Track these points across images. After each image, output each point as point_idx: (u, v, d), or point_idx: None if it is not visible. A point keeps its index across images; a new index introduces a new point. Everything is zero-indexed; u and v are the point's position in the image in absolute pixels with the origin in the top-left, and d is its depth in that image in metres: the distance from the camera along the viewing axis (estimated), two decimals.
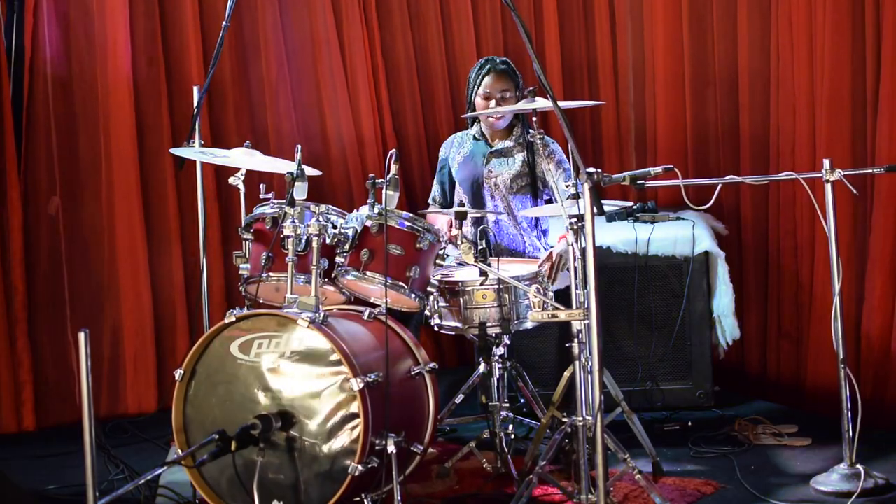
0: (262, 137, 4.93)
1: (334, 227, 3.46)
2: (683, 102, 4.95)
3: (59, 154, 4.60)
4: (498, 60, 4.21)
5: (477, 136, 4.29)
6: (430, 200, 4.43)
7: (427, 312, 3.66)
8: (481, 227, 4.03)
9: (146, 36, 4.72)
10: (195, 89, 4.10)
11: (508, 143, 4.21)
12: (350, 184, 5.07)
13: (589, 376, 3.14)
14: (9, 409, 4.45)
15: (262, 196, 3.60)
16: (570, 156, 2.97)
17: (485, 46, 5.26)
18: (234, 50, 4.92)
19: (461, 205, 3.65)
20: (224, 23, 3.83)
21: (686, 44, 4.90)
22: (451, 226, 3.86)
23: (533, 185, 4.17)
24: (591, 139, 5.33)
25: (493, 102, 4.14)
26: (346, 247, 3.46)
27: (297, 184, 3.38)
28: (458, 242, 3.39)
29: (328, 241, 3.44)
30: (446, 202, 4.35)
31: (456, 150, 4.33)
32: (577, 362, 3.18)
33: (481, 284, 3.56)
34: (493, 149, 4.22)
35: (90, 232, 4.69)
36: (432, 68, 5.28)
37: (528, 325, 3.65)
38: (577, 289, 3.18)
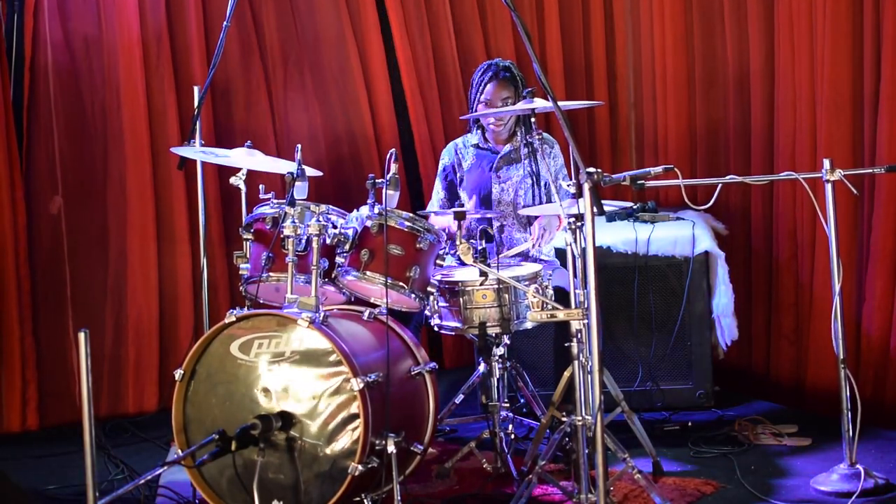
0: (271, 138, 4.93)
1: (334, 227, 3.46)
2: (690, 102, 4.96)
3: (61, 154, 4.60)
4: (501, 66, 4.19)
5: (481, 144, 4.29)
6: (428, 210, 4.33)
7: (427, 312, 3.67)
8: (482, 227, 4.03)
9: (154, 34, 4.71)
10: (195, 89, 4.11)
11: (513, 148, 4.23)
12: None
13: (589, 376, 3.14)
14: (13, 409, 4.45)
15: (261, 196, 3.60)
16: (571, 156, 2.97)
17: (493, 46, 5.25)
18: (241, 50, 4.91)
19: (460, 205, 3.66)
20: (224, 23, 3.83)
21: (695, 43, 4.91)
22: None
23: (538, 190, 4.18)
24: (588, 140, 5.34)
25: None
26: (347, 247, 3.47)
27: (297, 184, 3.39)
28: (458, 242, 3.39)
29: (328, 241, 3.44)
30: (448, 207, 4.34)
31: (461, 158, 4.32)
32: (576, 362, 3.18)
33: (481, 284, 3.56)
34: (501, 154, 4.23)
35: (95, 231, 4.69)
36: (446, 67, 5.25)
37: (528, 325, 3.65)
38: (576, 288, 3.18)
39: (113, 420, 4.56)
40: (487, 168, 4.24)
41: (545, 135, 4.20)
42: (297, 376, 3.19)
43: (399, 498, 3.18)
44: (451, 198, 4.33)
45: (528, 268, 3.76)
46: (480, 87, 4.18)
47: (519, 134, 4.24)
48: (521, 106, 3.54)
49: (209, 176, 4.66)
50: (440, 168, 4.37)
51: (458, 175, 4.31)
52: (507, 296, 3.56)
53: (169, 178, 4.75)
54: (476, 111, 4.20)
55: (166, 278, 4.77)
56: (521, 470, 3.57)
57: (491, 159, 4.25)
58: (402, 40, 5.12)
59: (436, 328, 3.72)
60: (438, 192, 4.37)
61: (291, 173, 3.40)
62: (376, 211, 3.45)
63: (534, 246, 4.00)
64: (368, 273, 3.44)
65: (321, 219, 3.39)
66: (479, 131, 4.31)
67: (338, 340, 3.17)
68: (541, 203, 4.17)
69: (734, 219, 4.70)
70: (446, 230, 3.75)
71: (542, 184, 4.19)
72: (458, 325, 3.62)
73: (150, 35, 4.70)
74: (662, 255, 4.32)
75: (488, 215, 4.15)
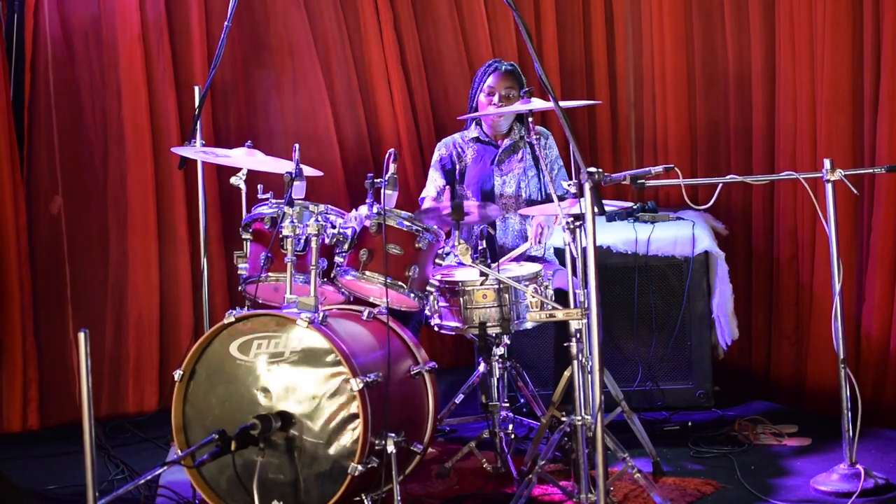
0: (272, 137, 4.93)
1: (333, 226, 3.46)
2: (690, 102, 4.96)
3: (61, 154, 4.59)
4: (505, 62, 4.26)
5: (481, 137, 4.29)
6: (425, 196, 4.30)
7: (427, 312, 3.67)
8: (482, 226, 4.02)
9: (155, 34, 4.70)
10: (196, 89, 4.11)
11: (513, 141, 4.24)
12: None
13: (589, 376, 3.14)
14: (14, 408, 4.45)
15: (259, 196, 3.60)
16: (571, 155, 2.97)
17: (497, 46, 5.26)
18: (242, 50, 4.91)
19: (460, 199, 3.65)
20: (226, 23, 3.83)
21: (695, 43, 4.91)
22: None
23: (539, 181, 4.20)
24: (589, 139, 5.34)
25: (495, 98, 4.15)
26: (345, 247, 3.46)
27: (295, 183, 3.38)
28: (457, 243, 3.39)
29: (327, 241, 3.44)
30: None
31: (461, 152, 4.31)
32: (576, 362, 3.17)
33: (481, 284, 3.56)
34: (503, 148, 4.24)
35: (95, 231, 4.69)
36: (447, 67, 5.24)
37: (528, 324, 3.65)
38: (576, 288, 3.18)
39: (113, 420, 4.56)
40: (489, 162, 4.25)
41: (538, 127, 4.25)
42: (296, 376, 3.19)
43: (399, 498, 3.18)
44: (450, 185, 4.31)
45: (528, 268, 3.76)
46: (483, 79, 4.20)
47: (517, 129, 4.26)
48: (523, 105, 3.54)
49: (209, 176, 4.66)
50: (435, 159, 4.32)
51: (458, 167, 4.30)
52: (507, 296, 3.56)
53: (169, 178, 4.74)
54: (477, 105, 4.21)
55: (166, 278, 4.77)
56: (521, 470, 3.57)
57: (493, 153, 4.26)
58: (390, 39, 5.11)
59: (436, 328, 3.72)
60: (436, 180, 4.28)
61: (290, 173, 3.40)
62: (375, 210, 3.45)
63: (533, 244, 4.01)
64: (367, 273, 3.44)
65: (320, 218, 3.38)
66: (477, 126, 4.32)
67: (337, 340, 3.17)
68: (545, 194, 4.19)
69: (734, 219, 4.70)
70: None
71: (543, 177, 4.21)
72: (458, 325, 3.62)
73: (150, 34, 4.70)
74: (662, 255, 4.32)
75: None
